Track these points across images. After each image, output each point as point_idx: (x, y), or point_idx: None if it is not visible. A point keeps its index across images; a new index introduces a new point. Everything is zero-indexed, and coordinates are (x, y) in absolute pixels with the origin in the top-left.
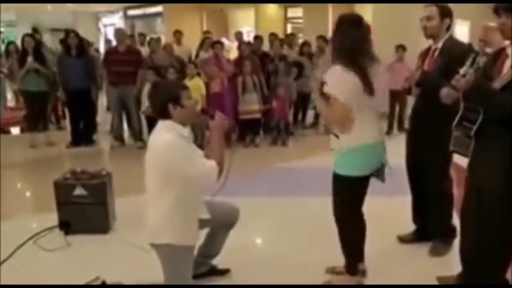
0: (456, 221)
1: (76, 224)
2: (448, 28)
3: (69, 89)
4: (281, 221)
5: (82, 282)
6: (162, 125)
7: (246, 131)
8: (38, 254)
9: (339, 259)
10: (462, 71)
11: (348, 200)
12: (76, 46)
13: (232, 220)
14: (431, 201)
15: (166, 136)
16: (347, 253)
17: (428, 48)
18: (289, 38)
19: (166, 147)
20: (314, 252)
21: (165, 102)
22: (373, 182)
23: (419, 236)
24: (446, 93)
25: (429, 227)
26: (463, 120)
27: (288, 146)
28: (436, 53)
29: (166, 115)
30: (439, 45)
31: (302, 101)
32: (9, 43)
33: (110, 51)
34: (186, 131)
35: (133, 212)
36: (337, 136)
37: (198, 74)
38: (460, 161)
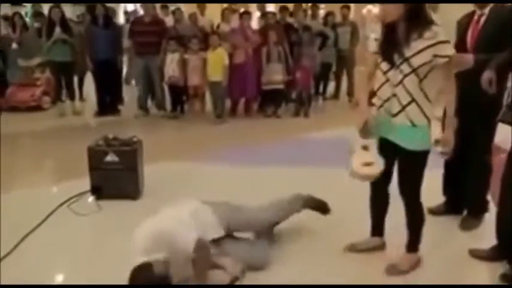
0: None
1: (107, 190)
2: None
3: (96, 60)
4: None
5: (114, 248)
6: None
7: (267, 102)
8: (71, 219)
9: (357, 232)
10: None
11: (422, 176)
12: (103, 16)
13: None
14: (471, 173)
15: None
16: (417, 230)
17: (471, 15)
18: (313, 9)
19: None
20: (333, 223)
21: None
22: None
23: (448, 208)
24: (488, 78)
25: (462, 200)
26: None
27: (310, 117)
28: (482, 19)
29: None
30: (486, 11)
31: (324, 72)
32: (36, 14)
33: (136, 22)
34: None
35: (159, 178)
36: (421, 109)
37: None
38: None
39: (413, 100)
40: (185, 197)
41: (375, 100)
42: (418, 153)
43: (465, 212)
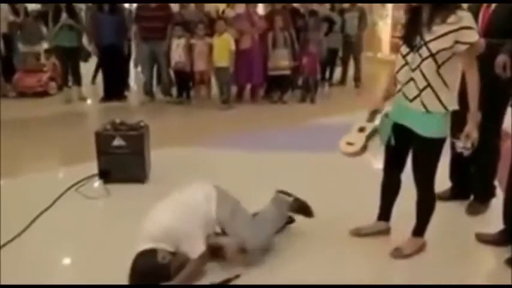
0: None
1: (115, 174)
2: None
3: (101, 45)
4: (308, 175)
5: (122, 231)
6: None
7: (274, 87)
8: (80, 202)
9: (362, 216)
10: None
11: (437, 164)
12: (109, 2)
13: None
14: (479, 158)
15: None
16: (426, 217)
17: None
18: None
19: None
20: (339, 208)
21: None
22: None
23: (455, 194)
24: (502, 62)
25: (469, 185)
26: None
27: (316, 103)
28: (493, 4)
29: None
30: None
31: (331, 58)
32: None
33: (142, 7)
34: None
35: (165, 163)
36: (437, 96)
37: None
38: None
39: (428, 85)
40: (196, 181)
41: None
42: (433, 140)
43: (472, 197)
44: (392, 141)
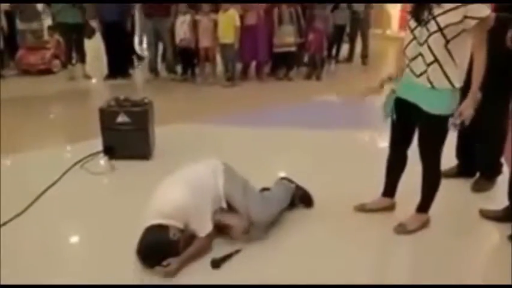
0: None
1: (119, 150)
2: None
3: (104, 21)
4: (313, 153)
5: (127, 207)
6: None
7: (279, 64)
8: (85, 178)
9: (367, 193)
10: None
11: (443, 141)
12: None
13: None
14: (486, 136)
15: None
16: (431, 194)
17: None
18: None
19: None
20: (343, 185)
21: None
22: None
23: (461, 171)
24: None
25: (475, 162)
26: None
27: (322, 81)
28: None
29: None
30: None
31: (337, 34)
32: None
33: None
34: None
35: (170, 140)
36: (444, 72)
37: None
38: None
39: (436, 60)
40: (202, 158)
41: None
42: (439, 117)
43: (478, 175)
44: (394, 117)
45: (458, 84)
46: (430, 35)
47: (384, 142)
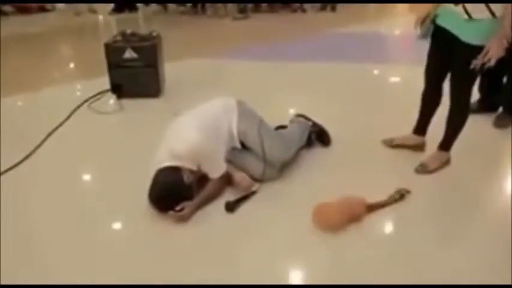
0: None
1: (127, 88)
2: None
3: None
4: (328, 86)
5: (137, 146)
6: None
7: None
8: (93, 117)
9: (387, 129)
10: None
11: (476, 76)
12: None
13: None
14: (509, 70)
15: None
16: (456, 130)
17: None
18: None
19: None
20: (362, 118)
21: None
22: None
23: (483, 106)
24: None
25: (498, 97)
26: None
27: (337, 11)
28: None
29: None
30: None
31: None
32: None
33: None
34: None
35: (180, 76)
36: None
37: None
38: None
39: None
40: (215, 94)
41: None
42: (474, 47)
43: (500, 110)
44: (429, 35)
45: (499, 12)
46: None
47: (396, 77)
